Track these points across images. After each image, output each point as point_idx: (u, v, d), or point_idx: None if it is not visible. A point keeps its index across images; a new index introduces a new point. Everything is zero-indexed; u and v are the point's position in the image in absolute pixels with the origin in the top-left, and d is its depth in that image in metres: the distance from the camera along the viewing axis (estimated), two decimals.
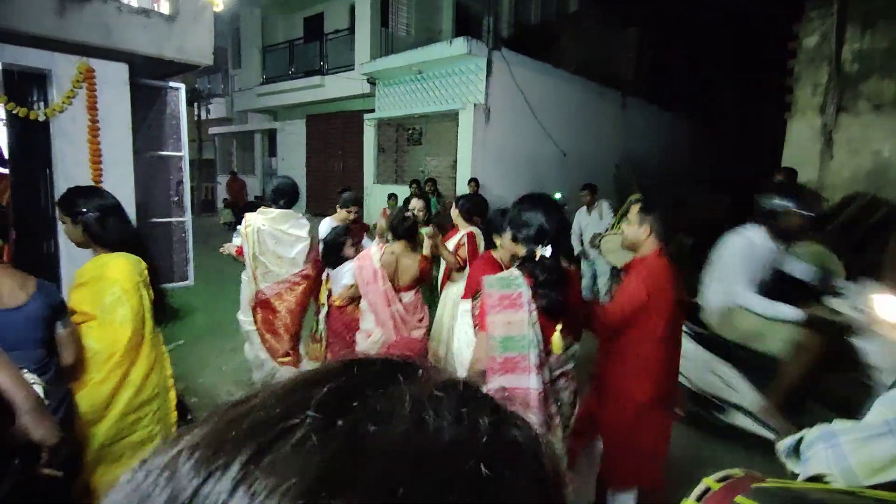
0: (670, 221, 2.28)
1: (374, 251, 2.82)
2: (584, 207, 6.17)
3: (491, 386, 1.76)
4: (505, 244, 2.25)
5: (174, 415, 2.30)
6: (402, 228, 2.84)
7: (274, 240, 3.14)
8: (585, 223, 6.08)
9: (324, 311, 3.34)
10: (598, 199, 6.20)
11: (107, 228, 2.02)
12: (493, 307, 1.78)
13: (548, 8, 14.87)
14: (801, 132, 6.20)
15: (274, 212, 3.18)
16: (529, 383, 1.71)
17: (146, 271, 2.10)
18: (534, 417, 0.35)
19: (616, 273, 5.48)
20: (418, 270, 2.89)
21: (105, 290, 1.96)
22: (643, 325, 2.13)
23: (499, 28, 12.85)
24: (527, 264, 1.79)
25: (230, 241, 3.51)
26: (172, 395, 2.31)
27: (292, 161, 14.10)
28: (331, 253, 3.26)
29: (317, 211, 13.31)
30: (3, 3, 3.22)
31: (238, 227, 3.24)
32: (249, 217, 3.16)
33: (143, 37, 3.73)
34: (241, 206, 13.62)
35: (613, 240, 4.34)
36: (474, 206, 3.71)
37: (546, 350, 1.78)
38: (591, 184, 6.22)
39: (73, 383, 1.92)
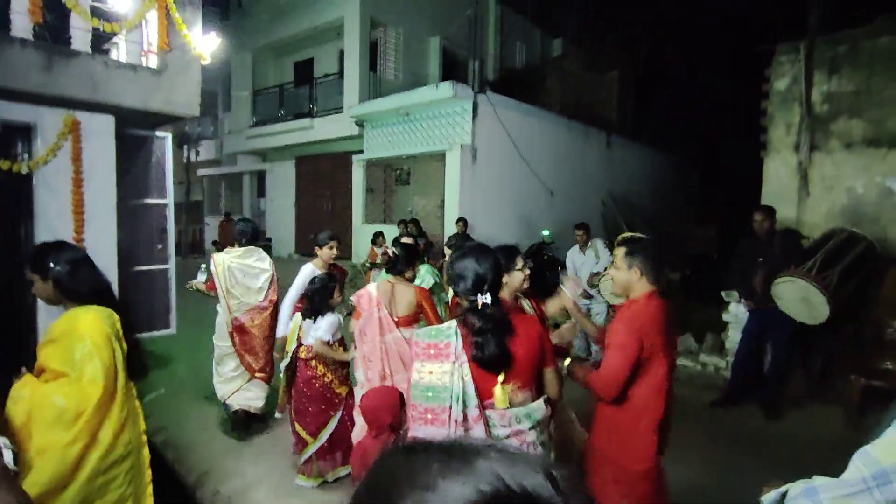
0: (658, 260, 2.19)
1: (371, 286, 3.00)
2: (577, 246, 6.16)
3: (411, 434, 1.77)
4: (512, 281, 2.25)
5: (148, 474, 2.18)
6: (398, 261, 2.97)
7: (242, 273, 3.73)
8: (580, 262, 6.04)
9: (286, 360, 3.24)
10: (591, 238, 6.21)
11: (77, 281, 1.97)
12: (417, 356, 1.78)
13: (532, 52, 15.45)
14: (777, 170, 6.35)
15: (239, 250, 3.79)
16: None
17: (118, 324, 2.04)
18: None
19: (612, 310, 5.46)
20: (415, 300, 2.91)
21: (75, 346, 1.88)
22: (642, 378, 1.99)
23: (484, 72, 13.30)
24: (466, 314, 1.75)
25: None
26: (146, 452, 2.19)
27: (281, 202, 14.17)
28: (318, 302, 3.16)
29: (305, 251, 13.30)
30: None
31: (202, 265, 3.88)
32: (218, 257, 3.72)
33: (130, 90, 3.78)
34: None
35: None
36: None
37: (486, 405, 1.70)
38: (584, 223, 6.22)
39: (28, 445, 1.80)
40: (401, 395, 2.55)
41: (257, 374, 3.73)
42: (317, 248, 3.65)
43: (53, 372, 1.88)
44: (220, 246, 13.33)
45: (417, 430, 1.72)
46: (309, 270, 3.55)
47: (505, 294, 2.51)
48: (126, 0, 3.91)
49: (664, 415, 2.04)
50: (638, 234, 2.51)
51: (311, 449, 3.11)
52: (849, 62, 5.74)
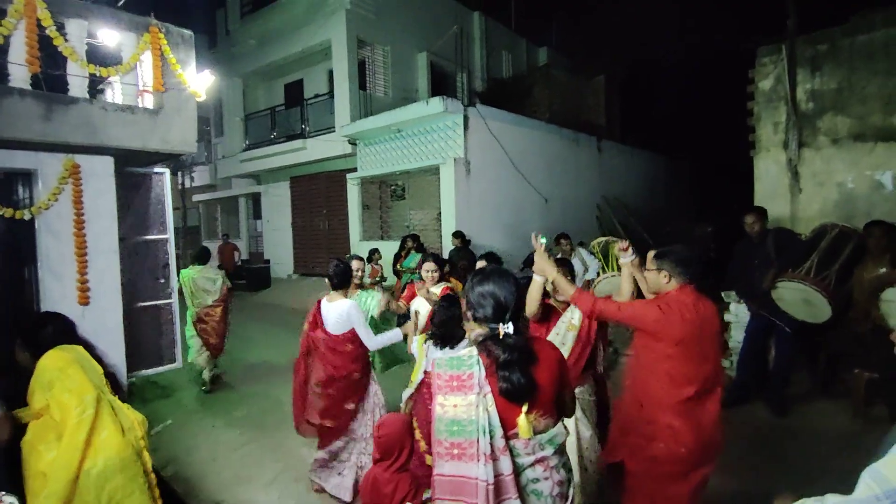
0: (688, 262, 2.32)
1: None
2: (559, 255, 6.26)
3: (437, 471, 1.68)
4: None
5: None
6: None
7: (203, 281, 5.34)
8: None
9: (410, 390, 2.96)
10: (574, 246, 6.33)
11: (45, 341, 2.21)
12: (440, 388, 1.71)
13: (518, 62, 15.62)
14: (768, 168, 6.44)
15: (198, 267, 5.44)
16: (477, 472, 1.59)
17: (81, 349, 2.27)
18: None
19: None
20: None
21: (42, 380, 2.11)
22: (648, 350, 2.27)
23: (472, 85, 13.46)
24: (487, 343, 1.69)
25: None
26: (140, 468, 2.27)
27: (277, 222, 14.21)
28: (453, 327, 2.67)
29: (304, 271, 13.34)
30: None
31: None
32: (184, 273, 5.28)
33: (128, 131, 3.84)
34: (230, 271, 13.56)
35: (610, 282, 4.36)
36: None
37: (510, 435, 1.66)
38: (565, 233, 6.41)
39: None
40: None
41: (213, 350, 5.40)
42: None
43: (44, 409, 2.10)
44: (223, 269, 13.35)
45: (444, 465, 1.66)
46: (356, 308, 3.28)
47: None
48: (118, 38, 3.97)
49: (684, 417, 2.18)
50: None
51: None
52: (829, 60, 5.86)
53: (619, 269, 2.70)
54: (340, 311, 3.17)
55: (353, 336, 3.17)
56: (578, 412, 2.69)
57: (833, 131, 5.89)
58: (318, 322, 3.27)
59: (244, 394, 5.40)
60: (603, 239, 6.94)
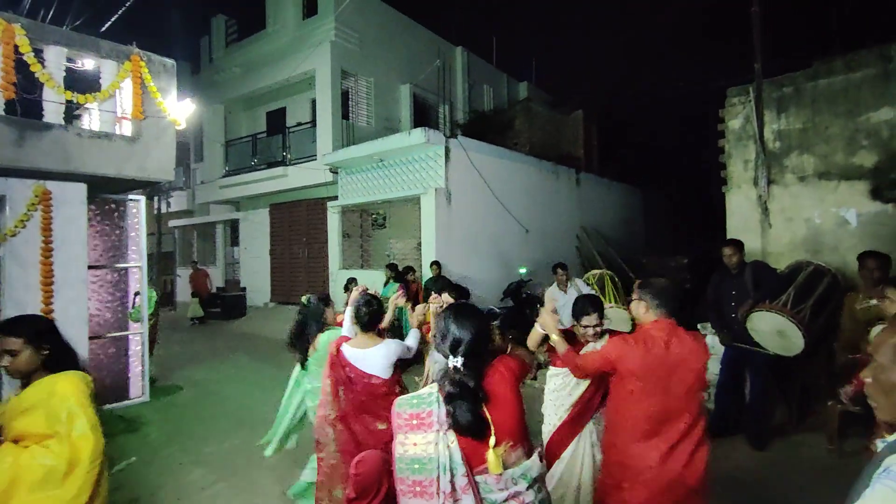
0: (667, 297, 2.37)
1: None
2: (556, 285, 6.25)
3: None
4: (578, 331, 2.79)
5: None
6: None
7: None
8: (563, 301, 6.06)
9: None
10: (570, 277, 6.32)
11: (63, 352, 2.06)
12: (400, 427, 1.72)
13: (499, 95, 16.03)
14: (739, 204, 6.66)
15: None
16: None
17: (91, 384, 2.10)
18: None
19: None
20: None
21: (58, 407, 1.93)
22: (615, 391, 2.36)
23: (454, 117, 13.73)
24: (444, 378, 1.71)
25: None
26: None
27: (255, 250, 14.02)
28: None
29: (281, 300, 13.10)
30: None
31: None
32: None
33: (104, 158, 3.76)
34: (204, 297, 13.24)
35: (608, 314, 4.37)
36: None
37: (479, 471, 1.65)
38: (563, 263, 6.36)
39: None
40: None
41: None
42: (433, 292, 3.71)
43: (37, 436, 1.91)
44: (196, 295, 13.04)
45: (407, 503, 1.66)
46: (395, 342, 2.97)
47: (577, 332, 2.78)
48: (97, 65, 3.94)
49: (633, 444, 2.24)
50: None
51: None
52: (794, 102, 6.16)
53: (614, 300, 2.81)
54: (387, 353, 2.77)
55: (399, 375, 2.88)
56: (594, 438, 2.71)
57: (800, 169, 6.14)
58: (358, 374, 2.76)
59: (214, 429, 5.19)
60: (598, 272, 7.00)
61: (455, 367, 1.69)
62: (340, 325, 3.14)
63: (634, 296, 2.46)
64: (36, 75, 3.52)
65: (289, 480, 3.62)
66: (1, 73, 3.43)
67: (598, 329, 2.71)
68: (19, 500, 1.82)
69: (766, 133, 6.39)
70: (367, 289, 2.97)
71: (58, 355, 2.04)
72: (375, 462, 2.45)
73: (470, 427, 1.64)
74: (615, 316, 3.85)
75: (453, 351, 1.72)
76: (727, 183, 6.81)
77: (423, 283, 8.02)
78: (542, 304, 2.82)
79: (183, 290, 15.90)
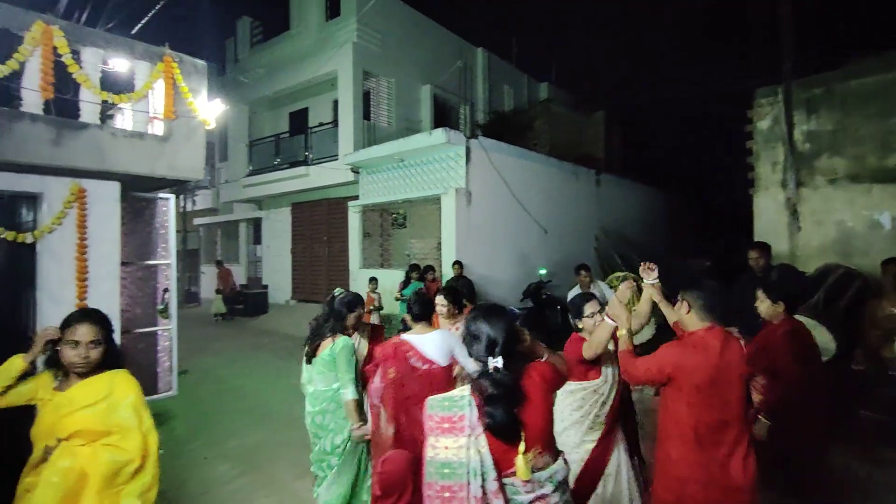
0: (713, 302, 2.26)
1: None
2: (578, 287, 6.17)
3: None
4: (585, 326, 2.65)
5: None
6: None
7: None
8: None
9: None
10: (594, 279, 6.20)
11: (115, 349, 2.10)
12: (431, 430, 1.70)
13: (519, 96, 15.96)
14: (767, 206, 6.53)
15: None
16: None
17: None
18: None
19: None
20: None
21: (118, 405, 1.98)
22: (671, 401, 2.23)
23: (475, 117, 13.73)
24: (479, 380, 1.69)
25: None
26: None
27: (277, 248, 14.22)
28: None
29: (302, 297, 13.27)
30: (1, 136, 3.35)
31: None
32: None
33: (137, 157, 3.87)
34: (228, 295, 13.48)
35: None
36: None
37: (507, 475, 1.64)
38: (586, 264, 6.20)
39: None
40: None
41: None
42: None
43: (93, 433, 1.94)
44: (221, 293, 13.30)
45: None
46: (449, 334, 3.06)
47: (584, 335, 2.71)
48: (130, 66, 4.06)
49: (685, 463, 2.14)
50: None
51: None
52: (825, 103, 6.01)
53: (635, 303, 2.73)
54: (443, 338, 2.84)
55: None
56: (622, 443, 2.69)
57: (830, 171, 6.00)
58: (423, 358, 2.79)
59: (238, 424, 5.29)
60: (621, 274, 6.90)
61: (496, 368, 1.67)
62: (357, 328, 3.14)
63: (679, 297, 2.35)
64: (73, 76, 3.64)
65: (311, 477, 3.67)
66: (40, 73, 3.55)
67: (600, 318, 2.65)
68: (89, 499, 1.87)
69: (795, 134, 6.26)
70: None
71: (114, 352, 2.08)
72: (402, 462, 2.46)
73: (505, 429, 1.62)
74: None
75: (490, 351, 1.71)
76: (754, 185, 6.68)
77: (445, 282, 8.04)
78: (561, 306, 2.83)
79: (206, 287, 16.22)
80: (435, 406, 1.74)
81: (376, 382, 2.82)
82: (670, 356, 2.22)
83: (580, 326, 2.75)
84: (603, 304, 2.76)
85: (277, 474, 4.07)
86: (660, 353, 2.29)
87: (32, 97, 3.55)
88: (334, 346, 2.90)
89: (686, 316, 2.28)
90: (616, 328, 2.47)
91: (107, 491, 1.89)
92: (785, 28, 6.42)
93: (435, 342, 2.80)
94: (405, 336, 2.87)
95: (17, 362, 1.99)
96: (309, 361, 3.00)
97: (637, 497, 2.60)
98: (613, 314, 2.45)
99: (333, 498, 2.91)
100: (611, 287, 6.23)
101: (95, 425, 1.94)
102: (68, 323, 1.98)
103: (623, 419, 2.75)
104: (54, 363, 2.02)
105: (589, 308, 2.68)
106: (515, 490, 1.66)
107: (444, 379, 2.77)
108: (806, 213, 6.17)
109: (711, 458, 2.15)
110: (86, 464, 1.88)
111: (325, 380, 2.92)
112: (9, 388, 1.99)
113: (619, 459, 2.63)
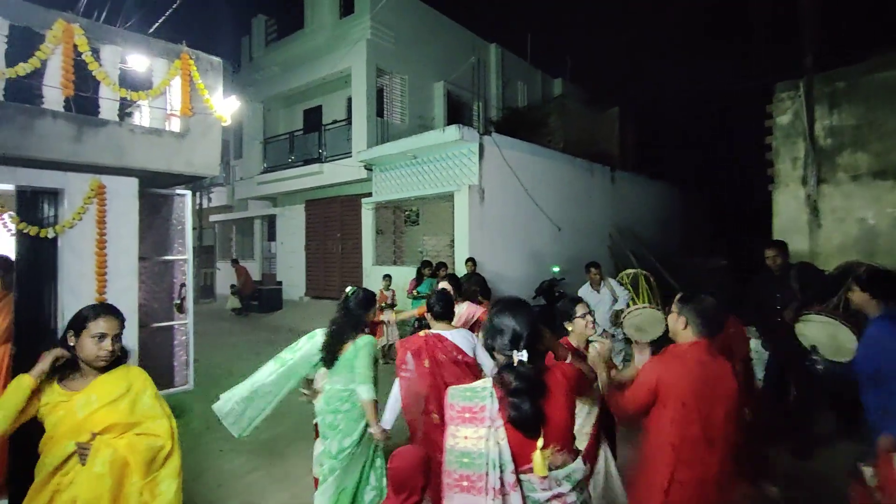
0: (710, 317, 2.19)
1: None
2: (588, 285, 6.12)
3: (446, 503, 1.68)
4: (576, 327, 2.71)
5: None
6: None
7: None
8: (595, 301, 5.93)
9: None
10: (604, 276, 6.16)
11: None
12: (452, 419, 1.72)
13: (533, 92, 15.86)
14: (786, 203, 6.41)
15: None
16: None
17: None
18: None
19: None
20: None
21: (140, 396, 2.06)
22: (654, 421, 2.13)
23: (488, 114, 13.67)
24: (502, 372, 1.70)
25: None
26: None
27: (291, 245, 14.34)
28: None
29: (316, 294, 13.36)
30: (24, 132, 3.42)
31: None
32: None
33: (154, 154, 3.92)
34: (247, 293, 13.62)
35: (641, 314, 4.24)
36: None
37: (523, 470, 1.64)
38: (596, 262, 6.17)
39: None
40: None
41: None
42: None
43: (122, 426, 1.99)
44: (236, 289, 13.45)
45: (453, 498, 1.65)
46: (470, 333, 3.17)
47: (572, 340, 2.73)
48: (148, 63, 4.11)
49: (668, 471, 2.06)
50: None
51: None
52: (848, 97, 5.87)
53: (648, 300, 2.74)
54: (464, 335, 2.95)
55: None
56: (608, 452, 2.70)
57: (853, 167, 5.86)
58: (454, 346, 2.88)
59: None
60: (632, 271, 6.84)
61: (521, 361, 1.67)
62: (376, 325, 3.20)
63: (674, 308, 2.29)
64: (93, 73, 3.69)
65: None
66: (61, 70, 3.61)
67: (591, 318, 2.75)
68: (131, 487, 1.94)
69: (816, 130, 6.13)
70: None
71: (124, 348, 2.14)
72: (413, 458, 2.45)
73: (527, 421, 1.63)
74: (649, 316, 3.72)
75: (515, 344, 1.71)
76: (774, 181, 6.56)
77: (460, 279, 8.02)
78: (575, 303, 2.82)
79: (221, 283, 16.43)
80: (456, 395, 1.76)
81: (410, 373, 2.83)
82: (653, 371, 2.15)
83: (569, 329, 2.79)
84: (591, 311, 2.83)
85: (292, 468, 4.11)
86: (641, 372, 2.23)
87: (53, 94, 3.61)
88: (357, 344, 2.88)
89: (682, 331, 2.20)
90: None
91: (146, 478, 1.97)
92: (806, 22, 6.28)
93: (463, 337, 2.91)
94: (437, 330, 2.93)
95: (26, 380, 1.91)
96: (329, 366, 2.95)
97: (623, 494, 2.60)
98: (592, 362, 2.48)
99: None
100: (621, 284, 6.17)
101: (125, 418, 1.99)
102: (93, 316, 2.00)
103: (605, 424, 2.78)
104: (53, 370, 1.97)
105: (580, 309, 2.76)
106: (532, 487, 1.66)
107: (476, 372, 2.84)
108: (826, 211, 6.05)
109: (693, 479, 2.04)
110: (126, 453, 1.94)
111: (344, 380, 2.89)
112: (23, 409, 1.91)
113: (605, 456, 2.68)
